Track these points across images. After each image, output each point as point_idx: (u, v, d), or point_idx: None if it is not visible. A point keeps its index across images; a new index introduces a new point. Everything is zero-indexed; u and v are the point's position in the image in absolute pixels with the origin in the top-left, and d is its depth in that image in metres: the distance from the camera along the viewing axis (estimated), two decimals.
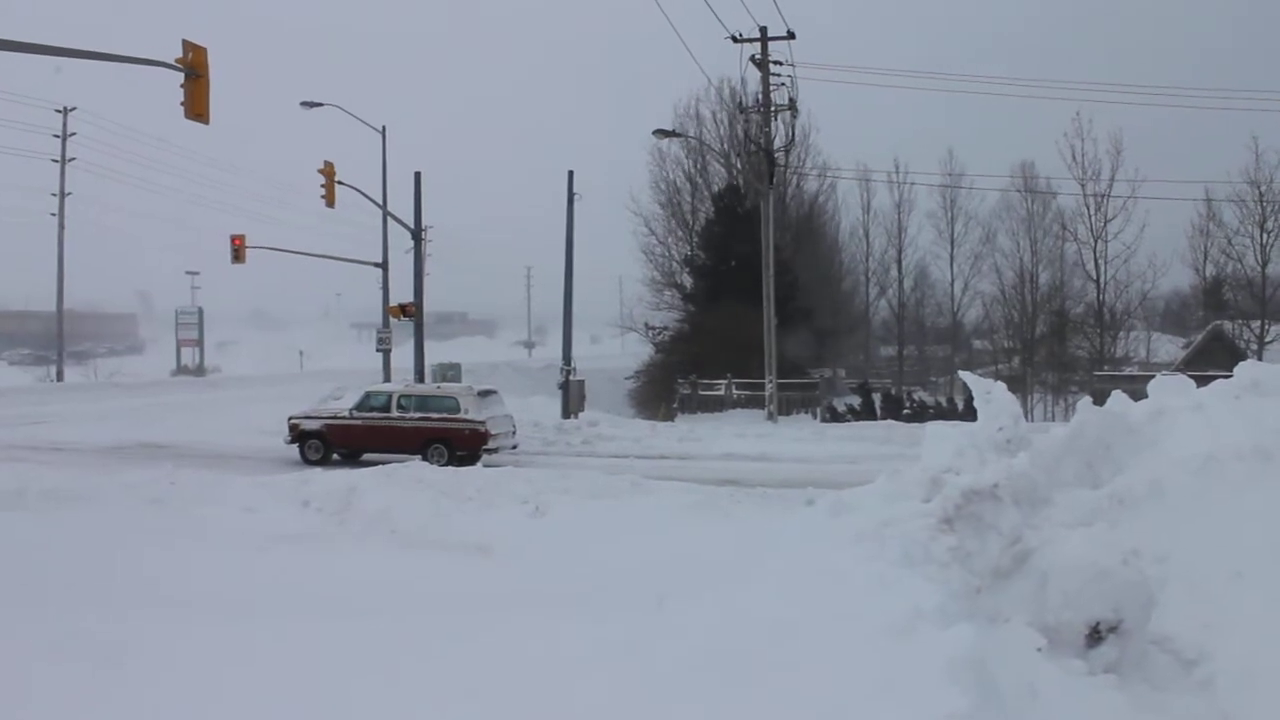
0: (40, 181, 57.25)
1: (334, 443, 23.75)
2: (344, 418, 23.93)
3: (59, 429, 29.17)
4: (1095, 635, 6.28)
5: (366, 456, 22.83)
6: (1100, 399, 9.40)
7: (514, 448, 24.17)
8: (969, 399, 8.88)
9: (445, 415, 23.18)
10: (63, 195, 56.13)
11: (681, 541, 11.21)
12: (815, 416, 35.96)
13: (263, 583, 10.18)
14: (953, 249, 56.77)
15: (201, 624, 7.97)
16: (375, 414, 23.61)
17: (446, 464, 20.21)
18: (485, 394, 24.25)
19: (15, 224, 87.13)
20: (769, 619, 5.66)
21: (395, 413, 23.49)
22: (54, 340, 58.78)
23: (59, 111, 55.46)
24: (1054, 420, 37.09)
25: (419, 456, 20.60)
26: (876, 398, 40.25)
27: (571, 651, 6.53)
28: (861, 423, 34.45)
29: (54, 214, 56.08)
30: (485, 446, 22.68)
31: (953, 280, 57.53)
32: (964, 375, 9.43)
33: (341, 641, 7.40)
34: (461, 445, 22.70)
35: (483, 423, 22.93)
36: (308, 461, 23.02)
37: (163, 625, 7.89)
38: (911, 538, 6.24)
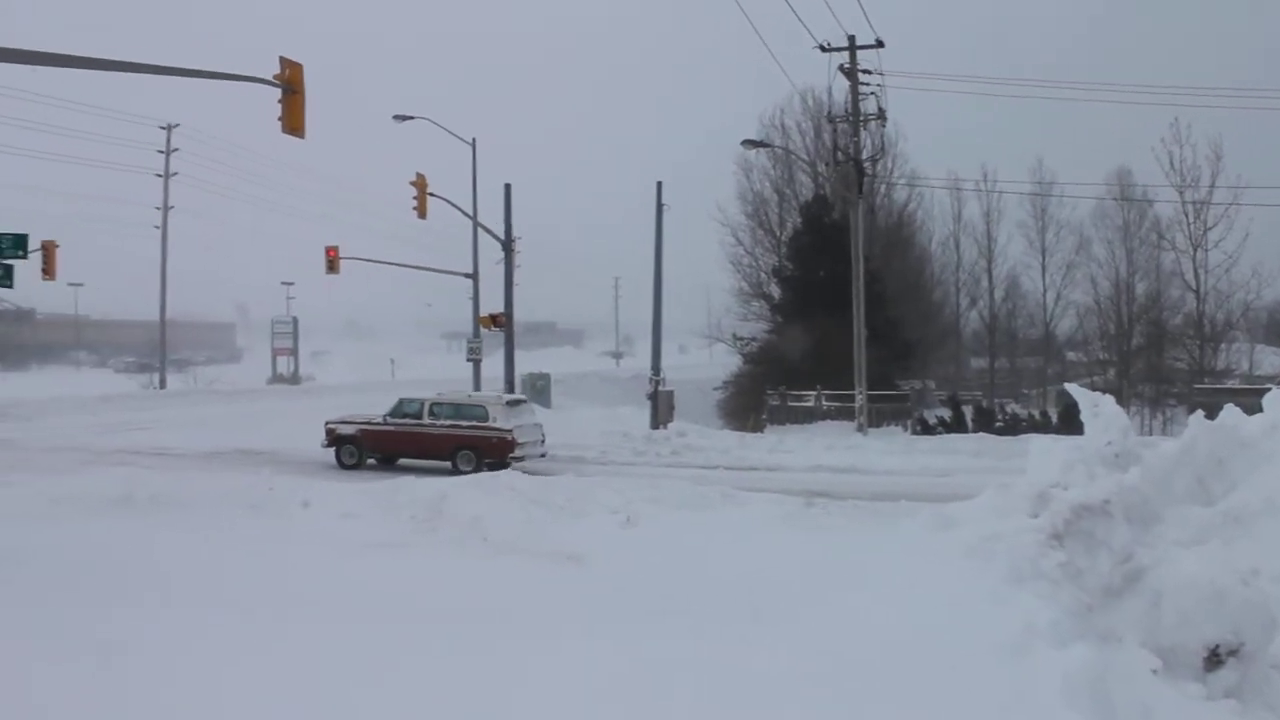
0: (144, 195, 59.12)
1: (368, 447, 24.18)
2: (378, 423, 24.34)
3: (161, 434, 30.08)
4: (1214, 658, 6.05)
5: (401, 462, 23.34)
6: (1210, 413, 9.07)
7: (542, 456, 24.29)
8: (1063, 411, 8.69)
9: (475, 423, 23.54)
10: (166, 209, 57.84)
11: (775, 554, 11.08)
12: (906, 429, 35.34)
13: (358, 587, 10.32)
14: (1044, 259, 55.54)
15: (298, 626, 8.11)
16: (408, 420, 24.03)
17: (474, 470, 20.58)
18: (514, 403, 24.87)
19: (122, 237, 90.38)
20: (876, 634, 5.56)
21: (427, 419, 23.88)
22: (157, 349, 60.63)
23: (163, 128, 57.22)
24: (1151, 434, 36.05)
25: (449, 463, 21.66)
26: (968, 410, 39.44)
27: (665, 662, 6.49)
28: (953, 435, 33.80)
29: (157, 227, 57.86)
30: (512, 454, 22.92)
31: (1045, 290, 56.23)
32: (1070, 387, 9.17)
33: (421, 644, 7.46)
34: (489, 453, 22.99)
35: (510, 431, 23.21)
36: (342, 465, 23.64)
37: (264, 626, 8.06)
38: (1020, 553, 6.08)
